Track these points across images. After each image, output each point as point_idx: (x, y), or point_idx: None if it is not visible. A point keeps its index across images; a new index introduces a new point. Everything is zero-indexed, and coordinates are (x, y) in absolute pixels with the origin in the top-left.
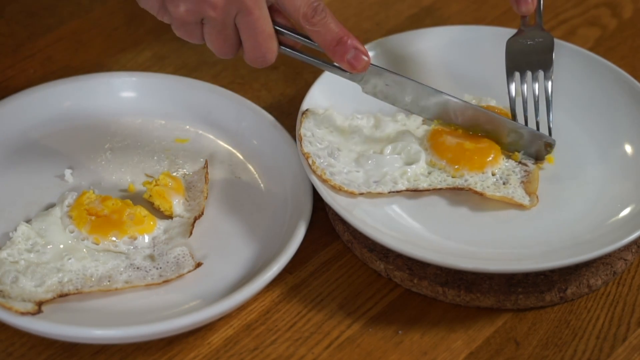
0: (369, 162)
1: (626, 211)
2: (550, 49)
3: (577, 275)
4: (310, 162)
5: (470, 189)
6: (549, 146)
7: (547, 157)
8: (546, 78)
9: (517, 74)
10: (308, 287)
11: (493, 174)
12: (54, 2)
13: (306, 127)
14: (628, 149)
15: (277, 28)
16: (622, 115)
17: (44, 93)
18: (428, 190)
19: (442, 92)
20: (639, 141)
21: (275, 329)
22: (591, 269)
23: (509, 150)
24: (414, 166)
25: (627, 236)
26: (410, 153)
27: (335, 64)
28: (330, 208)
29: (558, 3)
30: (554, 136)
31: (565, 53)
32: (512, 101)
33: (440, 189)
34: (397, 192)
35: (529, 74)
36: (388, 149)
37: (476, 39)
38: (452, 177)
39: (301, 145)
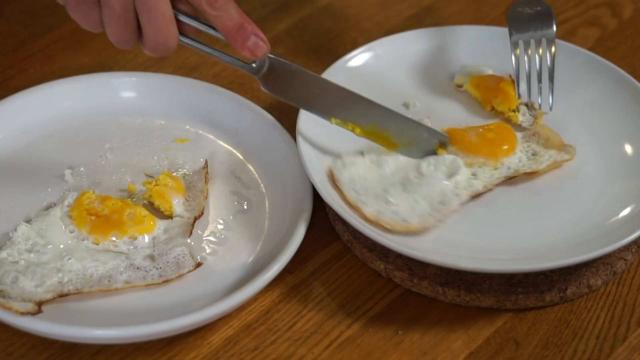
0: (419, 188)
1: (626, 211)
2: (549, 14)
3: (577, 275)
4: (385, 225)
5: (524, 173)
6: (444, 144)
7: (439, 150)
8: (548, 44)
9: (520, 42)
10: (308, 287)
11: (521, 151)
12: (54, 2)
13: (347, 190)
14: (628, 149)
15: (176, 13)
16: (622, 115)
17: (44, 93)
18: (488, 190)
19: (342, 87)
20: (639, 141)
21: (275, 329)
22: (591, 269)
23: (399, 150)
24: (459, 175)
25: (627, 236)
26: (447, 164)
27: (233, 56)
28: (330, 208)
29: (558, 3)
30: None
31: (565, 53)
32: (515, 69)
33: (497, 185)
34: (464, 203)
35: (532, 41)
36: (423, 167)
37: (476, 39)
38: (495, 169)
39: (363, 213)
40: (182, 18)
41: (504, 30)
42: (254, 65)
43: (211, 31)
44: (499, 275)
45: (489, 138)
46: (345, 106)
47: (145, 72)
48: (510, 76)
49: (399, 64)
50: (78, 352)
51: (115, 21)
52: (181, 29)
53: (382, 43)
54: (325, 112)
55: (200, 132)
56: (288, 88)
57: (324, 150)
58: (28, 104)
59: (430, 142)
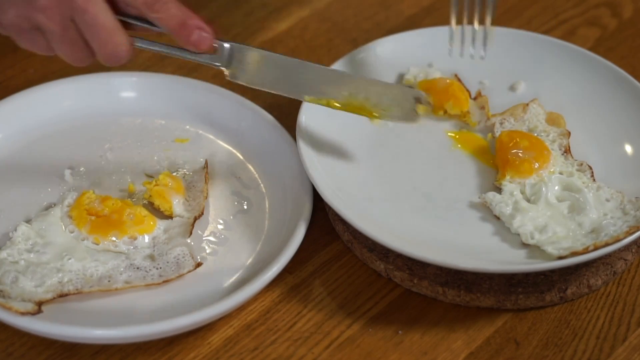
0: (580, 215)
1: None
2: None
3: (577, 275)
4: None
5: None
6: (420, 100)
7: (419, 107)
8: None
9: None
10: (308, 287)
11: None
12: None
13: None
14: (628, 149)
15: (127, 20)
16: (622, 115)
17: (44, 93)
18: None
19: (309, 62)
20: (639, 141)
21: (275, 329)
22: (591, 269)
23: (381, 117)
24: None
25: (627, 236)
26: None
27: (192, 52)
28: (330, 208)
29: (558, 3)
30: None
31: (565, 53)
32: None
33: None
34: None
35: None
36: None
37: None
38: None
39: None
40: (133, 21)
41: (505, 31)
42: (215, 57)
43: (158, 29)
44: (499, 275)
45: (543, 145)
46: (316, 82)
47: (145, 72)
48: (456, 76)
49: (399, 64)
50: (78, 352)
51: (61, 43)
52: (135, 32)
53: (382, 43)
54: (297, 92)
55: (200, 132)
56: (255, 73)
57: (324, 150)
58: (28, 104)
59: (408, 101)
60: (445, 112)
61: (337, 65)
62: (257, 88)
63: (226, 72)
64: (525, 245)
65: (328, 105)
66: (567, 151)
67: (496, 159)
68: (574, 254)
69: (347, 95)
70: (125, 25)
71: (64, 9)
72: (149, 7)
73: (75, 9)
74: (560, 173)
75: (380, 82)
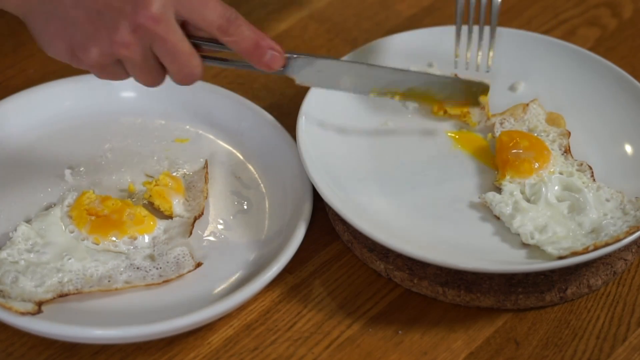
0: (580, 215)
1: None
2: None
3: (577, 275)
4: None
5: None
6: (485, 91)
7: (482, 97)
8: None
9: None
10: (308, 287)
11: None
12: None
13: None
14: (628, 149)
15: (196, 42)
16: (622, 115)
17: (44, 93)
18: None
19: (370, 64)
20: (639, 141)
21: (275, 329)
22: (591, 269)
23: (445, 104)
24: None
25: (627, 236)
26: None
27: None
28: (330, 208)
29: (558, 3)
30: None
31: (565, 53)
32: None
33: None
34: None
35: None
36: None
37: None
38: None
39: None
40: (202, 43)
41: (505, 31)
42: (285, 70)
43: (229, 50)
44: (499, 275)
45: (543, 145)
46: (381, 80)
47: None
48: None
49: (399, 64)
50: (78, 352)
51: (140, 71)
52: (204, 52)
53: (382, 43)
54: (362, 91)
55: (200, 132)
56: (322, 79)
57: (324, 151)
58: (28, 104)
59: (472, 93)
60: (445, 112)
61: None
62: (328, 89)
63: (296, 80)
64: (525, 245)
65: (392, 97)
66: (567, 151)
67: (496, 159)
68: (574, 254)
69: (410, 88)
70: (195, 47)
71: (145, 40)
72: (224, 32)
73: (155, 39)
74: (560, 173)
75: (442, 76)
